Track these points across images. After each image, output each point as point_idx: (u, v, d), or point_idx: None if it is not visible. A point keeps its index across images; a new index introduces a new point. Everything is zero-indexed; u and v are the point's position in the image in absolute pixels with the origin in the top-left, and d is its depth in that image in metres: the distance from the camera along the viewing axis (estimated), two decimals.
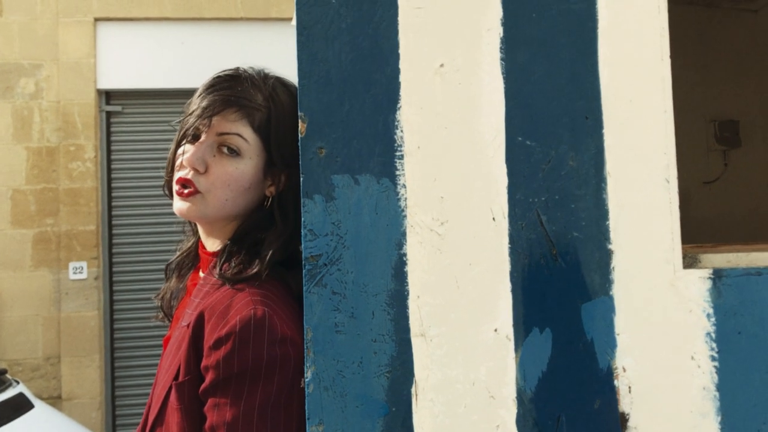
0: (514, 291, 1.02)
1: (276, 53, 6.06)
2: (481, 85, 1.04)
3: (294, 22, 1.04)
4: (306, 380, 0.99)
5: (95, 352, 5.79)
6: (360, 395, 0.99)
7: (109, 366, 5.94)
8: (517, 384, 1.01)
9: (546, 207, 1.03)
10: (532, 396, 1.01)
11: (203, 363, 1.11)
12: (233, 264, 1.20)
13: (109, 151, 6.04)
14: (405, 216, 1.01)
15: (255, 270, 1.17)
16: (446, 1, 1.04)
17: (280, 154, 1.23)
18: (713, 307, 1.03)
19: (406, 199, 1.01)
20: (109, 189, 6.02)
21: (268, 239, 1.20)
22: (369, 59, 1.03)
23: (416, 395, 0.99)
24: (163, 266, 1.44)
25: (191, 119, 1.22)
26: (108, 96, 6.07)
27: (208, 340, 1.11)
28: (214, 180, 1.20)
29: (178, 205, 1.22)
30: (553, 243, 1.03)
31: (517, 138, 1.03)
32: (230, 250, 1.22)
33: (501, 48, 1.05)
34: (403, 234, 1.01)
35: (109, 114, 6.05)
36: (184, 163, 1.21)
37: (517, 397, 1.00)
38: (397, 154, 1.02)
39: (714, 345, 1.03)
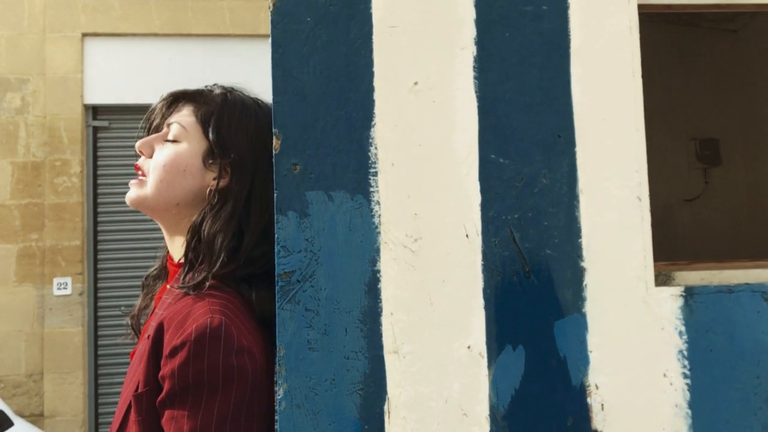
0: (487, 308, 1.02)
1: (265, 70, 6.04)
2: (454, 102, 1.04)
3: (270, 39, 1.05)
4: (278, 398, 0.98)
5: (79, 368, 5.74)
6: (332, 413, 0.98)
7: (93, 383, 5.88)
8: (490, 401, 1.01)
9: (519, 224, 1.04)
10: (505, 413, 1.00)
11: (160, 373, 1.10)
12: (195, 275, 1.20)
13: (95, 167, 6.02)
14: (379, 232, 1.02)
15: (200, 278, 1.16)
16: (420, 20, 1.05)
17: (220, 144, 1.22)
18: (685, 324, 1.04)
19: (380, 215, 1.02)
20: (95, 204, 5.99)
21: (204, 239, 1.19)
22: (344, 77, 1.03)
23: (389, 413, 0.99)
24: None
25: (151, 113, 1.26)
26: (95, 111, 6.05)
27: (165, 349, 1.10)
28: (155, 162, 1.22)
29: (127, 194, 1.24)
30: (526, 260, 1.03)
31: (491, 155, 1.04)
32: (192, 258, 1.21)
33: (474, 67, 1.05)
34: (377, 250, 1.01)
35: (95, 129, 6.03)
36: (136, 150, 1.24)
37: (490, 415, 1.00)
38: (371, 170, 1.02)
39: (686, 362, 1.03)
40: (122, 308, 1.64)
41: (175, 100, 1.24)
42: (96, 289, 5.93)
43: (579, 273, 1.04)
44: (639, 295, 1.04)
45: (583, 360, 1.02)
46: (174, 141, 1.22)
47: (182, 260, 1.25)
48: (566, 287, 1.03)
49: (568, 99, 1.06)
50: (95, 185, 6.01)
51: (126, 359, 5.90)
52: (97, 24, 5.99)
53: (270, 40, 1.05)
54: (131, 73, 6.04)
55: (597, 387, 1.02)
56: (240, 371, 1.08)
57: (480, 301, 1.02)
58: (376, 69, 1.04)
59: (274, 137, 1.02)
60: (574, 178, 1.05)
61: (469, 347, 1.01)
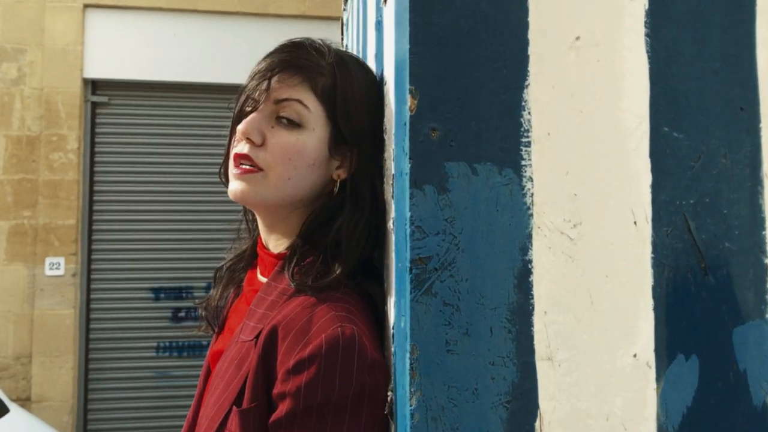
0: (656, 309, 0.85)
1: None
2: (623, 63, 0.88)
3: None
4: (410, 409, 0.81)
5: (69, 352, 5.52)
6: (474, 429, 0.81)
7: (83, 368, 5.66)
8: (658, 420, 0.84)
9: (695, 211, 0.87)
10: None
11: (278, 389, 0.92)
12: (306, 268, 1.02)
13: (93, 143, 5.78)
14: (531, 215, 0.85)
15: (333, 276, 1.00)
16: None
17: (349, 127, 1.05)
18: None
19: (532, 194, 0.85)
20: (92, 183, 5.76)
21: (344, 236, 1.02)
22: (492, 28, 0.86)
23: (541, 430, 0.82)
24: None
25: (248, 88, 1.05)
26: (94, 85, 5.82)
27: (285, 361, 0.93)
28: (273, 154, 1.02)
29: (233, 186, 1.05)
30: (702, 254, 0.87)
31: (663, 128, 0.87)
32: (302, 250, 1.04)
33: (646, 23, 0.89)
34: (529, 236, 0.84)
35: (94, 104, 5.80)
36: (237, 135, 1.04)
37: None
38: (524, 140, 0.85)
39: None
40: (196, 301, 1.45)
41: (278, 67, 1.04)
42: (90, 271, 5.71)
43: (762, 271, 0.87)
44: None
45: (766, 375, 0.86)
46: (296, 125, 1.03)
47: (284, 252, 1.08)
48: (747, 288, 0.87)
49: (753, 65, 0.89)
50: (92, 163, 5.78)
51: (119, 344, 5.70)
52: None
53: None
54: (133, 47, 5.82)
55: None
56: (372, 388, 0.92)
57: (649, 302, 0.85)
58: (531, 18, 0.87)
59: (409, 95, 0.84)
60: (757, 159, 0.89)
61: (635, 356, 0.85)
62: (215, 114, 5.76)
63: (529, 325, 0.83)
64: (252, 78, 1.07)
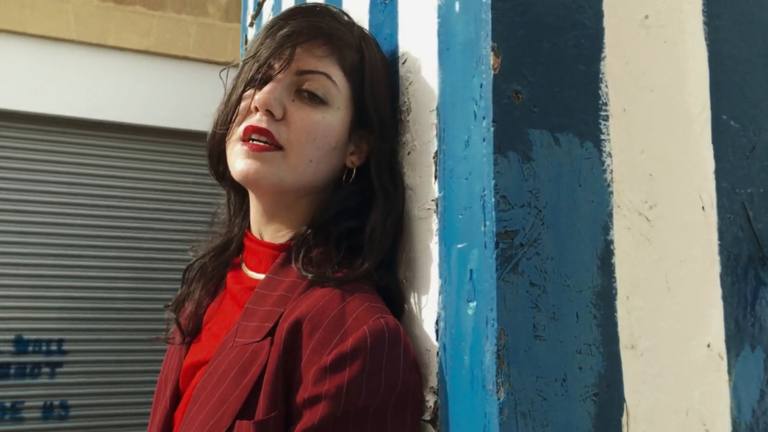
0: (725, 298, 0.82)
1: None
2: (685, 47, 0.86)
3: None
4: (499, 403, 0.70)
5: None
6: (564, 425, 0.72)
7: None
8: (732, 414, 0.80)
9: (752, 200, 0.86)
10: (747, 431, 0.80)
11: (309, 392, 0.77)
12: (318, 260, 0.88)
13: None
14: (611, 192, 0.79)
15: (362, 268, 0.87)
16: None
17: (375, 109, 0.94)
18: None
19: (611, 171, 0.79)
20: None
21: (372, 224, 0.90)
22: None
23: (627, 426, 0.75)
24: None
25: (264, 51, 0.90)
26: None
27: (314, 359, 0.78)
28: (297, 131, 0.89)
29: (243, 165, 0.88)
30: (761, 244, 0.85)
31: (722, 116, 0.87)
32: (314, 239, 0.90)
33: (704, 11, 0.88)
34: (609, 215, 0.78)
35: None
36: (255, 105, 0.89)
37: None
38: (602, 113, 0.80)
39: None
40: (165, 307, 1.16)
41: (306, 34, 0.90)
42: None
43: None
44: None
45: None
46: (321, 101, 0.90)
47: (287, 243, 0.93)
48: None
49: None
50: None
51: None
52: None
53: None
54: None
55: None
56: (415, 391, 0.80)
57: (718, 290, 0.82)
58: None
59: (491, 53, 0.76)
60: None
61: (708, 345, 0.80)
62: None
63: (613, 310, 0.76)
64: (266, 39, 0.92)
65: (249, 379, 0.82)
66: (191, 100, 5.75)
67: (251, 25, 2.20)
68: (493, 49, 0.76)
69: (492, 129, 0.75)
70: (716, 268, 0.83)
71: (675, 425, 0.77)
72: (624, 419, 0.75)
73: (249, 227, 1.01)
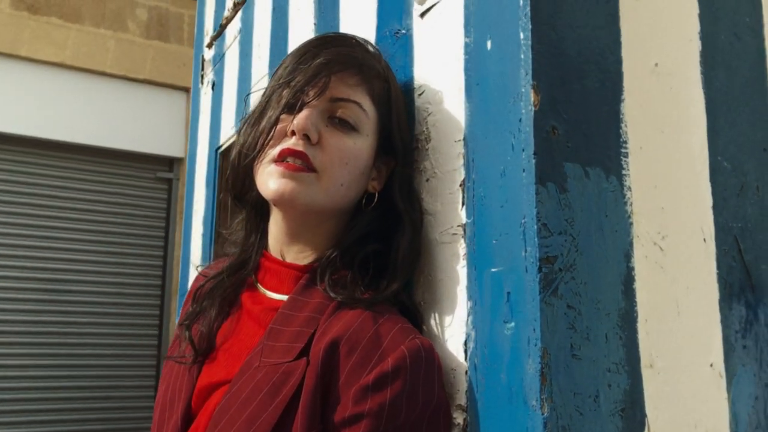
0: (722, 322, 0.91)
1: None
2: (689, 93, 0.95)
3: None
4: (543, 418, 0.75)
5: None
6: None
7: None
8: (731, 428, 0.88)
9: (742, 234, 0.96)
10: None
11: (350, 411, 0.79)
12: (344, 282, 0.91)
13: None
14: (632, 223, 0.86)
15: (389, 290, 0.90)
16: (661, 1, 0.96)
17: (400, 137, 0.99)
18: None
19: (631, 203, 0.86)
20: None
21: (399, 246, 0.93)
22: (596, 41, 0.88)
23: None
24: None
25: (300, 78, 0.93)
26: None
27: (352, 380, 0.81)
28: (331, 155, 0.92)
29: (277, 184, 0.90)
30: (750, 274, 0.95)
31: (717, 157, 0.96)
32: (340, 262, 0.93)
33: (701, 62, 0.98)
34: (630, 244, 0.85)
35: None
36: (293, 129, 0.91)
37: None
38: (623, 151, 0.87)
39: None
40: (180, 324, 1.11)
41: (340, 64, 0.93)
42: None
43: None
44: None
45: None
46: (351, 128, 0.94)
47: (311, 264, 0.95)
48: None
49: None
50: None
51: None
52: None
53: None
54: None
55: None
56: (446, 408, 0.84)
57: (717, 315, 0.91)
58: (623, 39, 0.91)
59: (531, 90, 0.82)
60: None
61: (711, 365, 0.88)
62: None
63: (635, 332, 0.83)
64: (299, 66, 0.94)
65: (281, 399, 0.83)
66: (103, 115, 5.61)
67: (209, 46, 2.18)
68: (533, 87, 0.82)
69: (533, 161, 0.80)
70: (716, 295, 0.91)
71: None
72: None
73: (266, 248, 1.02)
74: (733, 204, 0.96)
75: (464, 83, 0.94)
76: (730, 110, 0.99)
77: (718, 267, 0.92)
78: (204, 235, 2.04)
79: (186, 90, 6.53)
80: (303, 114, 0.91)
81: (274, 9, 1.68)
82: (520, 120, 0.82)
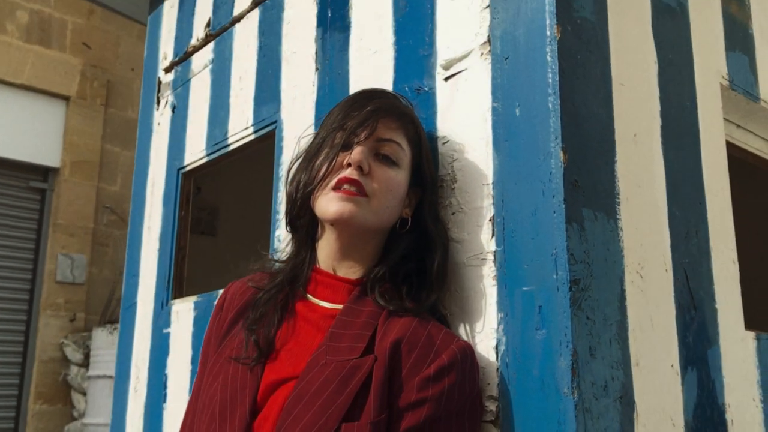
0: (678, 332, 1.20)
1: None
2: (654, 158, 1.25)
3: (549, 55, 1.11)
4: (574, 401, 0.99)
5: None
6: (607, 417, 1.03)
7: None
8: (685, 415, 1.17)
9: (690, 267, 1.26)
10: (692, 425, 1.18)
11: (414, 396, 1.00)
12: (391, 293, 1.12)
13: None
14: (623, 256, 1.13)
15: (429, 301, 1.12)
16: (642, 78, 1.25)
17: (429, 172, 1.22)
18: None
19: (623, 241, 1.13)
20: None
21: (436, 263, 1.15)
22: (597, 117, 1.15)
23: (637, 418, 1.07)
24: None
25: (351, 123, 1.13)
26: None
27: (413, 372, 1.03)
28: (379, 183, 1.13)
29: (336, 206, 1.10)
30: (693, 297, 1.25)
31: (672, 208, 1.26)
32: (390, 275, 1.14)
33: (662, 134, 1.28)
34: (623, 272, 1.12)
35: None
36: (350, 161, 1.11)
37: (685, 427, 1.16)
38: (617, 200, 1.14)
39: None
40: (247, 324, 1.21)
41: (385, 112, 1.16)
42: None
43: (714, 314, 1.30)
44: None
45: (720, 383, 1.27)
46: (393, 163, 1.16)
47: (360, 278, 1.14)
48: (712, 322, 1.28)
49: (701, 182, 1.36)
50: None
51: None
52: None
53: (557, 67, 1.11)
54: None
55: (729, 406, 1.26)
56: (481, 397, 1.08)
57: (674, 327, 1.20)
58: (615, 113, 1.18)
59: (561, 151, 1.07)
60: (707, 237, 1.33)
61: (672, 366, 1.17)
62: None
63: (627, 338, 1.10)
64: (350, 112, 1.14)
65: (351, 388, 1.01)
66: None
67: (168, 71, 2.28)
68: (563, 148, 1.07)
69: (563, 206, 1.05)
70: (673, 312, 1.20)
71: (656, 419, 1.11)
72: (635, 415, 1.07)
73: (316, 263, 1.19)
74: (683, 244, 1.26)
75: (491, 138, 1.18)
76: (682, 173, 1.30)
77: (675, 291, 1.22)
78: (161, 251, 2.12)
79: (66, 98, 6.34)
80: (357, 149, 1.11)
81: (260, 48, 1.84)
82: (550, 173, 1.07)
